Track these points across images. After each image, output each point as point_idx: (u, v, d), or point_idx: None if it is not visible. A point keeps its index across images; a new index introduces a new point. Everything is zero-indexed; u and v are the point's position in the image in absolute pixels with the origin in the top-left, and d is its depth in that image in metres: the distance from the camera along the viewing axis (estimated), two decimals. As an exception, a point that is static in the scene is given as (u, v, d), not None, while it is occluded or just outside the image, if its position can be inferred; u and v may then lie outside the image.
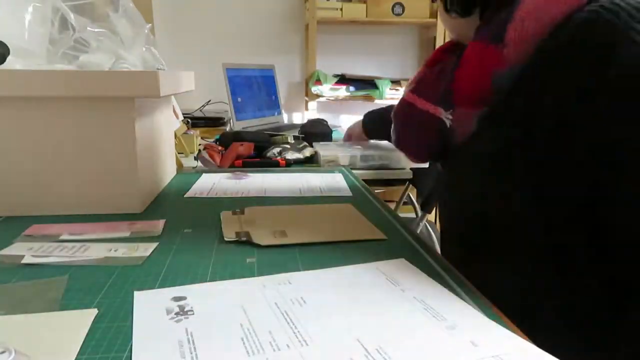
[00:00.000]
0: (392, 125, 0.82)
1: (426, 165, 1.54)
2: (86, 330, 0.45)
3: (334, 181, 1.06)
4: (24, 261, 0.61)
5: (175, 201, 0.90)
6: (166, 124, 1.07)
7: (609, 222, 0.57)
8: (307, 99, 2.81)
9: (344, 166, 1.35)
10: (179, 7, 2.73)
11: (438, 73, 0.75)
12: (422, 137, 0.77)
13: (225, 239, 0.69)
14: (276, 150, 1.42)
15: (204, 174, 1.13)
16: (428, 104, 0.73)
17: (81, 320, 0.47)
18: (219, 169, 1.30)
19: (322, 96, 2.66)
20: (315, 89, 2.64)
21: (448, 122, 0.71)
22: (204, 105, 2.38)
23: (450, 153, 0.75)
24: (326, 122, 2.00)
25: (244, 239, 0.68)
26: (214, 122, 2.13)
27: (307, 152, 1.44)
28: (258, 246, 0.66)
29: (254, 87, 2.24)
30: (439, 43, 2.72)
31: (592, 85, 0.56)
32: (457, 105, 0.69)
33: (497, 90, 0.65)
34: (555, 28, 0.61)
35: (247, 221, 0.76)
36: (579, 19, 0.59)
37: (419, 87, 0.77)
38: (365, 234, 0.72)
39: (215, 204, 0.88)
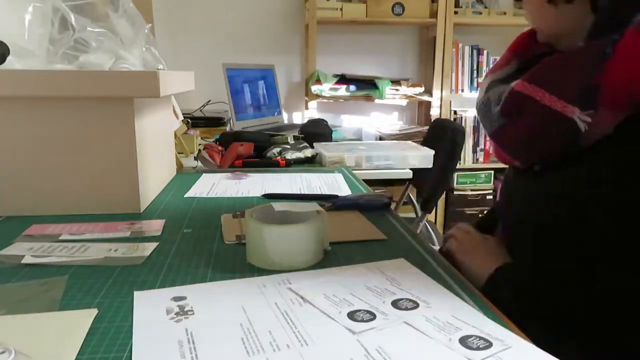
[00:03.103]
0: (487, 115, 0.70)
1: (430, 166, 1.53)
2: (86, 330, 0.45)
3: (334, 181, 1.06)
4: (24, 261, 0.61)
5: (175, 201, 0.90)
6: (166, 124, 1.07)
7: None
8: (307, 99, 2.81)
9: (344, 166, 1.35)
10: (179, 7, 2.73)
11: (565, 63, 0.61)
12: (536, 137, 0.64)
13: (226, 242, 0.69)
14: (276, 150, 1.42)
15: (204, 174, 1.13)
16: (554, 99, 0.60)
17: (81, 320, 0.47)
18: (219, 169, 1.30)
19: (322, 96, 2.66)
20: (315, 89, 2.64)
21: (582, 126, 0.58)
22: (204, 105, 2.38)
23: (566, 159, 0.62)
24: (326, 122, 2.00)
25: (244, 242, 0.68)
26: (214, 122, 2.13)
27: (307, 152, 1.44)
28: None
29: (254, 87, 2.24)
30: (439, 43, 2.72)
31: None
32: (601, 105, 0.57)
33: None
34: None
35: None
36: None
37: (539, 77, 0.63)
38: (366, 235, 0.72)
39: (215, 204, 0.87)
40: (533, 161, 0.68)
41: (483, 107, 0.72)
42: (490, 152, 0.86)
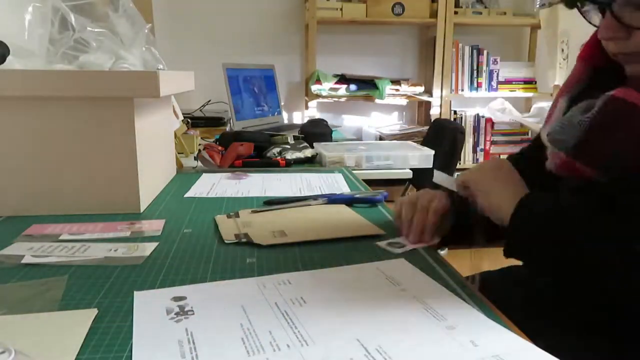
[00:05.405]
0: (566, 130, 0.64)
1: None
2: (86, 330, 0.45)
3: (334, 181, 1.06)
4: (24, 261, 0.61)
5: (175, 201, 0.90)
6: (166, 124, 1.07)
7: None
8: (307, 99, 2.81)
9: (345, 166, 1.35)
10: (179, 7, 2.73)
11: None
12: (634, 147, 0.60)
13: (225, 241, 0.69)
14: (276, 150, 1.42)
15: (204, 174, 1.13)
16: None
17: (81, 320, 0.47)
18: (219, 169, 1.30)
19: (322, 96, 2.66)
20: (315, 89, 2.64)
21: None
22: (204, 105, 2.38)
23: None
24: (326, 122, 2.00)
25: (243, 240, 0.68)
26: (214, 122, 2.13)
27: (307, 152, 1.44)
28: (258, 246, 0.66)
29: (254, 87, 2.24)
30: (439, 43, 2.71)
31: None
32: None
33: None
34: None
35: (243, 223, 0.76)
36: None
37: None
38: (363, 230, 0.72)
39: (215, 204, 0.87)
40: (622, 173, 0.61)
41: (560, 128, 0.65)
42: (554, 168, 0.64)
